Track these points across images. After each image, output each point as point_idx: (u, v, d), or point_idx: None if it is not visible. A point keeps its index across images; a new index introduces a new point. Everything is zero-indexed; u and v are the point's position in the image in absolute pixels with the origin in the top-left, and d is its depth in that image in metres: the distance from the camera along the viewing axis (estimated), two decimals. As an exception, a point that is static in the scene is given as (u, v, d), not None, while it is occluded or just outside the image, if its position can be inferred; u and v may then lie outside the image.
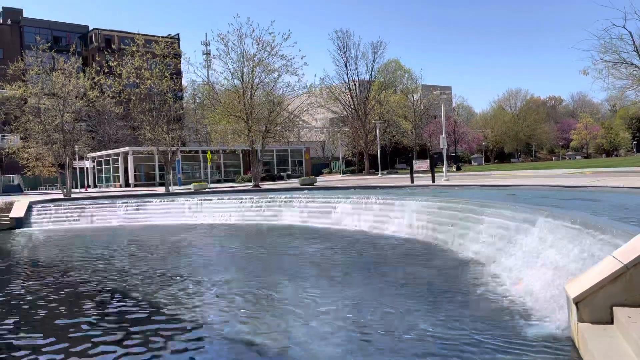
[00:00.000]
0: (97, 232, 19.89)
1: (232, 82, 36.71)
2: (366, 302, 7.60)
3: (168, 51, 33.83)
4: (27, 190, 52.93)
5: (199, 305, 8.00)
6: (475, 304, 7.29)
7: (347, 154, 75.51)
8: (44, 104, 31.15)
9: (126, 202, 23.97)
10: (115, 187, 54.70)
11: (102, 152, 59.96)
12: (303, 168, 64.43)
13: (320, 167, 73.92)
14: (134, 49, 32.96)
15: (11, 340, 6.59)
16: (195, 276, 10.34)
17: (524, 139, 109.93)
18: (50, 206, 24.19)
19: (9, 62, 32.55)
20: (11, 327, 7.20)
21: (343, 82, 71.34)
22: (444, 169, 32.98)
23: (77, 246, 16.24)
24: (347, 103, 71.06)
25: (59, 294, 9.19)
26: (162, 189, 36.04)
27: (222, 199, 23.03)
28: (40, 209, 23.78)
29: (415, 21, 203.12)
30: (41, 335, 6.76)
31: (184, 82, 48.07)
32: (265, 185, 37.88)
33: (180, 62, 43.17)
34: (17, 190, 48.41)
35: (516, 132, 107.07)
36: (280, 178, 56.40)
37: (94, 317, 7.61)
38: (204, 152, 53.87)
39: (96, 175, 61.22)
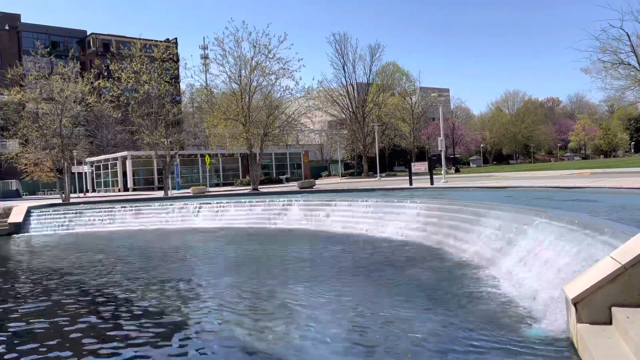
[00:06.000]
0: (96, 237, 19.87)
1: (230, 85, 36.77)
2: (367, 302, 7.61)
3: (166, 55, 33.84)
4: (26, 195, 52.85)
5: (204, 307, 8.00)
6: (473, 306, 7.30)
7: (345, 156, 75.52)
8: (42, 108, 31.11)
9: (125, 207, 23.96)
10: (114, 191, 54.68)
11: (100, 156, 59.91)
12: (302, 171, 64.44)
13: (319, 169, 73.93)
14: (134, 51, 32.97)
15: (12, 346, 6.59)
16: (198, 281, 10.35)
17: (522, 140, 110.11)
18: (49, 211, 24.18)
19: (8, 67, 32.55)
20: (12, 332, 7.19)
21: (341, 85, 71.42)
22: (442, 171, 33.01)
23: (75, 251, 16.20)
24: (346, 106, 71.13)
25: (59, 299, 9.19)
26: (160, 193, 36.01)
27: (221, 202, 23.03)
28: (39, 214, 23.76)
29: (413, 24, 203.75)
30: (41, 340, 6.76)
31: (182, 86, 48.12)
32: (264, 188, 37.86)
33: (178, 67, 43.23)
34: (16, 195, 48.32)
35: (514, 134, 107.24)
36: (279, 181, 56.39)
37: (94, 321, 7.61)
38: (203, 156, 53.88)
39: (95, 180, 61.17)
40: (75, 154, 40.43)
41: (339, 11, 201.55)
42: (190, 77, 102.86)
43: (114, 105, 37.77)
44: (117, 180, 55.29)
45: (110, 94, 33.42)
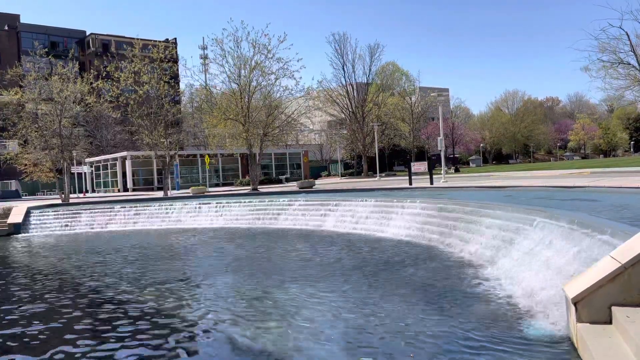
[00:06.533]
0: (96, 237, 19.86)
1: (230, 85, 36.79)
2: (366, 302, 7.61)
3: (165, 55, 33.83)
4: (25, 195, 52.83)
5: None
6: (473, 305, 7.29)
7: (345, 156, 75.53)
8: (41, 109, 31.09)
9: (124, 207, 23.94)
10: (113, 191, 54.68)
11: (100, 157, 59.92)
12: (301, 171, 64.44)
13: (318, 169, 73.96)
14: (136, 51, 32.96)
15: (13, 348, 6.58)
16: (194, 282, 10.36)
17: (522, 140, 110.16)
18: (48, 211, 24.16)
19: (7, 68, 32.53)
20: (10, 334, 7.18)
21: (341, 84, 71.45)
22: (442, 171, 33.00)
23: (75, 252, 16.20)
24: (345, 106, 71.13)
25: (58, 300, 9.18)
26: (160, 193, 36.01)
27: (220, 203, 23.02)
28: (38, 214, 23.74)
29: (413, 24, 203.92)
30: (39, 341, 6.75)
31: (182, 86, 48.15)
32: (263, 188, 37.85)
33: (177, 67, 43.23)
34: (15, 195, 48.29)
35: (514, 134, 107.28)
36: (279, 181, 56.39)
37: (92, 323, 7.60)
38: (202, 156, 53.88)
39: (94, 180, 61.17)
40: (74, 154, 40.37)
41: (339, 11, 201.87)
42: (190, 77, 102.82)
43: (113, 106, 37.75)
44: (116, 181, 55.28)
45: (110, 94, 33.41)
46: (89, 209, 24.26)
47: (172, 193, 36.20)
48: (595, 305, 5.08)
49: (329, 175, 72.41)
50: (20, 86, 32.39)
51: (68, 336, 6.85)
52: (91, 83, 32.62)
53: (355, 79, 71.23)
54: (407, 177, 29.50)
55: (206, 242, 16.92)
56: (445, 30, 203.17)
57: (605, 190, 15.32)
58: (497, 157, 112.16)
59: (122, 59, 34.06)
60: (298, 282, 9.53)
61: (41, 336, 6.94)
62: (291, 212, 20.19)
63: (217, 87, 38.90)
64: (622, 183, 16.75)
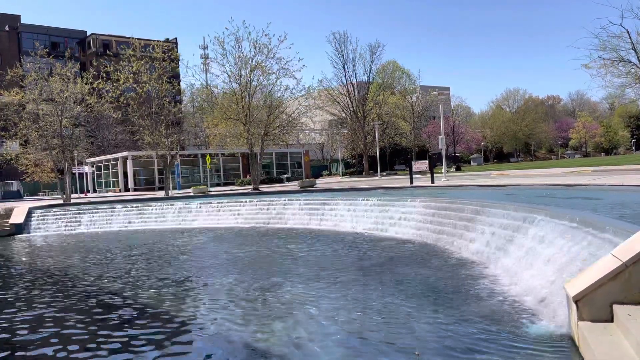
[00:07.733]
0: (97, 238, 19.88)
1: (230, 85, 36.77)
2: (368, 301, 7.61)
3: (167, 55, 33.82)
4: (27, 196, 52.90)
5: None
6: (475, 304, 7.29)
7: (346, 155, 75.49)
8: (42, 109, 31.12)
9: (125, 207, 23.95)
10: (114, 191, 54.71)
11: (101, 157, 59.94)
12: (302, 170, 64.40)
13: (319, 169, 73.91)
14: (135, 51, 32.98)
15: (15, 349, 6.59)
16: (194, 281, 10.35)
17: (523, 138, 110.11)
18: (50, 212, 24.19)
19: (7, 68, 32.57)
20: (12, 334, 7.19)
21: (341, 84, 71.40)
22: (443, 170, 32.96)
23: (76, 252, 16.21)
24: (346, 105, 71.09)
25: (58, 301, 9.19)
26: (161, 193, 36.02)
27: (221, 202, 23.02)
28: (40, 214, 23.77)
29: (413, 23, 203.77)
30: (39, 342, 6.76)
31: (182, 85, 48.15)
32: (264, 188, 37.84)
33: (178, 66, 43.25)
34: (17, 196, 48.39)
35: (515, 132, 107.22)
36: (280, 181, 56.35)
37: (91, 324, 7.61)
38: (203, 155, 53.88)
39: (95, 180, 61.19)
40: (75, 154, 40.44)
41: (339, 11, 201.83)
42: (191, 77, 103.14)
43: (114, 106, 37.79)
44: (117, 181, 55.30)
45: (110, 94, 33.44)
46: (91, 209, 24.27)
47: (173, 193, 36.22)
48: (596, 304, 5.07)
49: (330, 174, 72.37)
50: (21, 86, 32.41)
51: (67, 336, 6.85)
52: (91, 83, 32.63)
53: (355, 78, 71.24)
54: (408, 176, 29.45)
55: (207, 242, 16.93)
56: (445, 29, 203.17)
57: (607, 188, 15.29)
58: (498, 156, 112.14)
59: (121, 60, 34.07)
60: (301, 280, 9.52)
61: (41, 336, 6.95)
62: (292, 212, 20.18)
63: (218, 87, 38.90)
64: (623, 181, 16.72)
